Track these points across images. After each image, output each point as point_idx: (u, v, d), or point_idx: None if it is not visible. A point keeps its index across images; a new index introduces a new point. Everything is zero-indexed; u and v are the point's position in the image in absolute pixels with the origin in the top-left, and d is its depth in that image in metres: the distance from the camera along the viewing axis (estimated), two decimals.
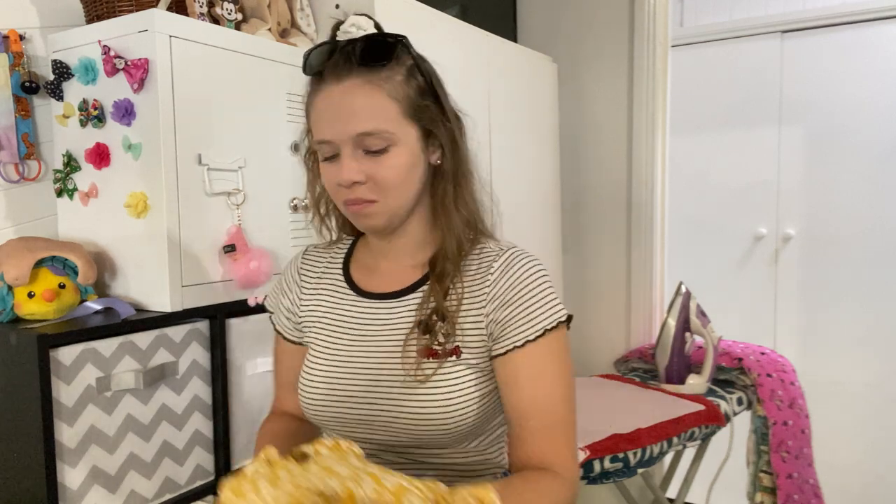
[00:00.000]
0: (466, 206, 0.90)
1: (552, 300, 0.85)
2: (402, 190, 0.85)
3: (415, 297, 0.89)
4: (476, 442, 0.89)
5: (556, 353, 0.84)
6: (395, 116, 0.82)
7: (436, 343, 0.84)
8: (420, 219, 0.91)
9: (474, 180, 0.92)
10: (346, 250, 1.00)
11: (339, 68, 0.82)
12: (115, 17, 1.23)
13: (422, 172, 0.87)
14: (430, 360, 0.84)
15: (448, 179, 0.89)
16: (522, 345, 0.83)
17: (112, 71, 1.18)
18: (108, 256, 1.27)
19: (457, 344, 0.85)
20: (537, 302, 0.84)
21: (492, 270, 0.86)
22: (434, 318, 0.85)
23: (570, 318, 0.87)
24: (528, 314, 0.84)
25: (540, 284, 0.85)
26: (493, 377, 0.87)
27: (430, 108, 0.86)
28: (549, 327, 0.83)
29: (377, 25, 0.86)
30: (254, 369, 1.32)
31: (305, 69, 0.86)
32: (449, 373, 0.84)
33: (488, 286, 0.86)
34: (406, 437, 0.85)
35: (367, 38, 0.82)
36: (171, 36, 1.16)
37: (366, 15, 0.86)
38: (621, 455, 1.48)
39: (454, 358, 0.84)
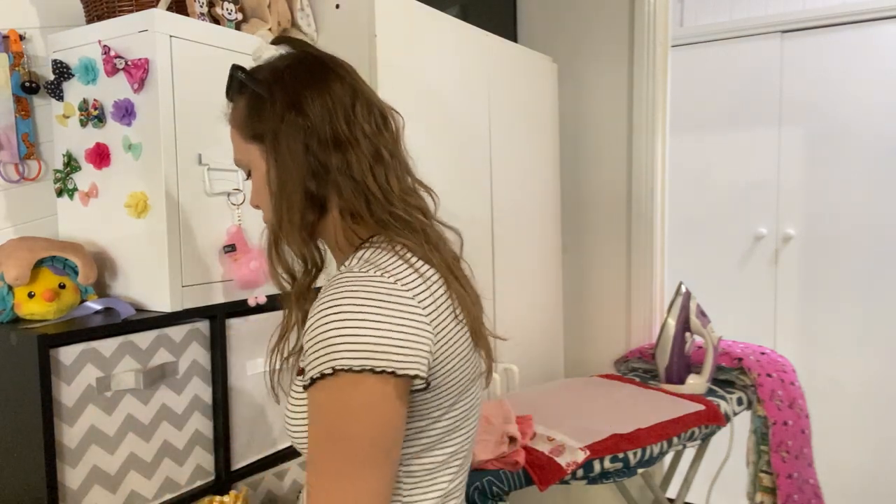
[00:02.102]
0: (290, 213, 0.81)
1: (319, 350, 0.70)
2: (266, 208, 0.85)
3: None
4: None
5: (317, 407, 0.73)
6: (240, 143, 0.86)
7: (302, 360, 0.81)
8: (330, 230, 0.86)
9: (323, 181, 0.80)
10: None
11: None
12: (115, 17, 1.23)
13: None
14: (298, 376, 0.84)
15: (273, 189, 0.82)
16: (309, 384, 0.74)
17: (112, 71, 1.18)
18: (108, 256, 1.27)
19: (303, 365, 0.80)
20: (310, 347, 0.72)
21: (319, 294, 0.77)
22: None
23: (374, 369, 0.69)
24: (306, 356, 0.73)
25: (317, 328, 0.71)
26: None
27: (265, 122, 0.82)
28: (314, 377, 0.72)
29: (296, 44, 0.87)
30: (254, 369, 1.32)
31: None
32: (297, 391, 0.82)
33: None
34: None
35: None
36: (171, 36, 1.16)
37: (285, 39, 0.88)
38: (621, 455, 1.48)
39: (300, 377, 0.81)
